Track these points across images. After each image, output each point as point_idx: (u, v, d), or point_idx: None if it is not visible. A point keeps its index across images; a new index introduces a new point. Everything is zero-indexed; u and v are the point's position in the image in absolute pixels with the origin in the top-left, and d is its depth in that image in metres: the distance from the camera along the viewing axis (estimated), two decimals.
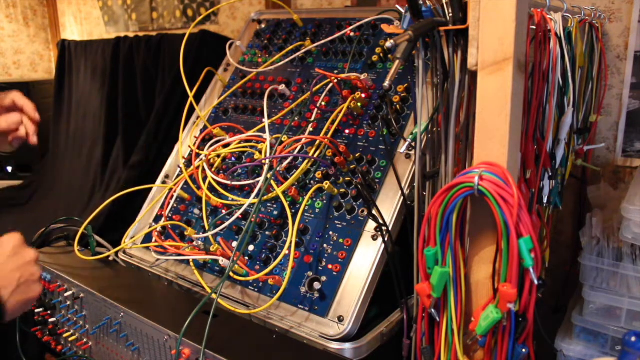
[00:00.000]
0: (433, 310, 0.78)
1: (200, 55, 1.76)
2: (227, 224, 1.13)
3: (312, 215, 1.11)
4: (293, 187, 1.13)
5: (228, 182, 1.22)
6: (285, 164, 1.18)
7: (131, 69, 2.06)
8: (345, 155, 1.12)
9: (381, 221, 0.98)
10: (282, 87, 1.31)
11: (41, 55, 2.94)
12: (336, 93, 1.24)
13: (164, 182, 1.41)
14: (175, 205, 1.33)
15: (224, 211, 1.21)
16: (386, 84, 0.79)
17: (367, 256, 1.01)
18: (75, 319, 1.18)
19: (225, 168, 1.28)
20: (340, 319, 0.96)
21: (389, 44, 0.76)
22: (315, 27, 1.40)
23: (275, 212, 1.16)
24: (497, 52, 0.68)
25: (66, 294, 1.18)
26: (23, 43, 2.86)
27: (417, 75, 0.84)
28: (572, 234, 1.41)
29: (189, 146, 1.37)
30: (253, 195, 1.15)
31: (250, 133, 1.29)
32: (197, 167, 1.28)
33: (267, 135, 1.21)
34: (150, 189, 1.42)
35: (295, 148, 1.18)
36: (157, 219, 1.34)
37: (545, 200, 0.96)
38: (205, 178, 1.25)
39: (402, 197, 1.03)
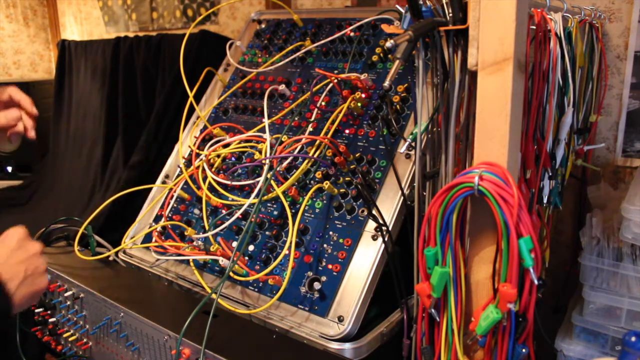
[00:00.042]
0: (433, 310, 0.78)
1: (200, 55, 1.76)
2: (227, 224, 1.13)
3: (312, 215, 1.11)
4: (293, 187, 1.13)
5: (228, 182, 1.22)
6: (285, 164, 1.18)
7: (131, 69, 2.06)
8: (345, 155, 1.12)
9: (381, 221, 0.98)
10: (282, 87, 1.31)
11: (41, 55, 2.94)
12: (336, 93, 1.24)
13: (164, 182, 1.41)
14: (175, 205, 1.33)
15: (224, 211, 1.21)
16: (386, 84, 0.79)
17: (367, 256, 1.01)
18: (75, 319, 1.18)
19: (225, 168, 1.28)
20: (340, 319, 0.96)
21: (389, 44, 0.76)
22: (315, 27, 1.40)
23: (275, 212, 1.16)
24: (497, 52, 0.68)
25: (66, 294, 1.18)
26: (23, 43, 2.86)
27: (417, 75, 0.84)
28: (572, 234, 1.41)
29: (189, 146, 1.37)
30: (253, 195, 1.15)
31: (250, 133, 1.29)
32: (197, 167, 1.28)
33: (267, 135, 1.21)
34: (150, 189, 1.42)
35: (295, 148, 1.18)
36: (157, 219, 1.34)
37: (545, 200, 0.96)
38: (205, 178, 1.25)
39: (402, 197, 1.03)
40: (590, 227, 1.10)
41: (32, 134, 1.05)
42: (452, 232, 0.73)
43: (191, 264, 1.18)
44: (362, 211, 1.06)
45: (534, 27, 0.80)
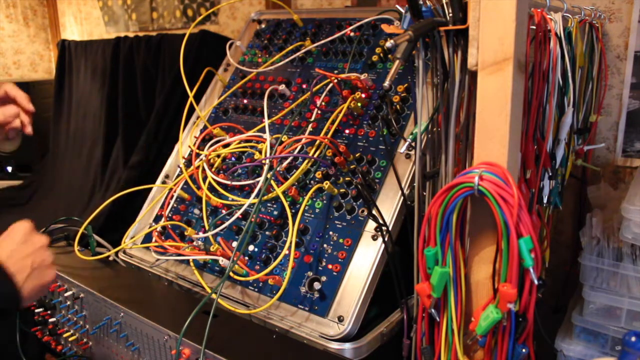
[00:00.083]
0: (433, 310, 0.78)
1: (200, 55, 1.76)
2: (227, 224, 1.13)
3: (312, 215, 1.11)
4: (293, 187, 1.13)
5: (228, 182, 1.22)
6: (285, 164, 1.18)
7: (131, 69, 2.06)
8: (345, 155, 1.12)
9: (381, 221, 0.98)
10: (282, 87, 1.31)
11: (41, 55, 2.94)
12: (336, 93, 1.24)
13: (164, 182, 1.41)
14: (175, 205, 1.33)
15: (224, 211, 1.21)
16: (386, 84, 0.79)
17: (367, 256, 1.01)
18: (75, 319, 1.18)
19: (225, 168, 1.28)
20: (340, 319, 0.96)
21: (389, 44, 0.76)
22: (315, 27, 1.40)
23: (275, 212, 1.16)
24: (497, 52, 0.68)
25: (66, 294, 1.18)
26: (23, 43, 2.86)
27: (417, 75, 0.84)
28: (572, 234, 1.41)
29: (189, 146, 1.37)
30: (253, 195, 1.15)
31: (250, 133, 1.29)
32: (197, 167, 1.28)
33: (267, 135, 1.21)
34: (150, 189, 1.42)
35: (295, 148, 1.18)
36: (157, 219, 1.34)
37: (545, 200, 0.96)
38: (205, 178, 1.25)
39: (402, 197, 1.03)
40: (590, 227, 1.10)
41: (29, 129, 1.06)
42: (452, 232, 0.73)
43: (191, 264, 1.18)
44: (362, 211, 1.06)
45: (534, 27, 0.80)
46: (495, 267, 0.73)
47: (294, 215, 1.09)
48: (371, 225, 1.03)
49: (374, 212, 0.99)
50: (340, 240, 1.05)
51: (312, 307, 1.00)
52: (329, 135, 1.15)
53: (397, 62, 0.75)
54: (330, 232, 1.07)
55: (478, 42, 0.69)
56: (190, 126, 1.44)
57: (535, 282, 0.67)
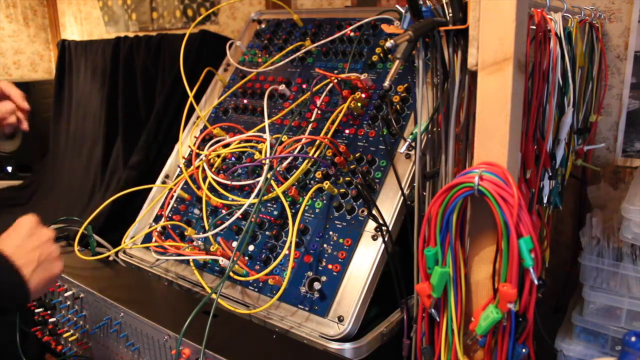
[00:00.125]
0: (433, 310, 0.78)
1: (200, 55, 1.76)
2: (227, 224, 1.13)
3: (312, 215, 1.11)
4: (293, 187, 1.13)
5: (228, 182, 1.22)
6: (285, 164, 1.18)
7: (131, 69, 2.06)
8: (345, 155, 1.12)
9: (381, 221, 0.98)
10: (282, 87, 1.31)
11: (41, 55, 2.94)
12: (336, 93, 1.24)
13: (164, 182, 1.41)
14: (175, 205, 1.33)
15: (224, 211, 1.21)
16: (386, 84, 0.79)
17: (367, 256, 1.01)
18: (75, 319, 1.18)
19: (225, 168, 1.28)
20: (340, 319, 0.96)
21: (389, 44, 0.76)
22: (315, 27, 1.40)
23: (275, 212, 1.16)
24: (497, 52, 0.68)
25: (66, 294, 1.17)
26: (23, 43, 2.86)
27: (417, 75, 0.84)
28: (572, 234, 1.41)
29: (189, 146, 1.37)
30: (253, 195, 1.15)
31: (250, 133, 1.29)
32: (197, 167, 1.28)
33: (267, 135, 1.21)
34: (150, 189, 1.42)
35: (295, 148, 1.18)
36: (157, 219, 1.34)
37: (545, 200, 0.96)
38: (205, 178, 1.25)
39: (402, 197, 1.03)
40: (590, 227, 1.10)
41: (25, 125, 1.07)
42: (452, 232, 0.73)
43: (191, 264, 1.18)
44: (362, 211, 1.06)
45: (534, 27, 0.81)
46: (495, 267, 0.73)
47: (294, 215, 1.09)
48: (371, 225, 1.03)
49: (374, 212, 0.99)
50: (340, 240, 1.05)
51: (312, 307, 1.00)
52: (329, 135, 1.15)
53: (397, 62, 0.75)
54: (330, 232, 1.07)
55: (478, 42, 0.69)
56: (190, 126, 1.44)
57: (535, 282, 0.67)
